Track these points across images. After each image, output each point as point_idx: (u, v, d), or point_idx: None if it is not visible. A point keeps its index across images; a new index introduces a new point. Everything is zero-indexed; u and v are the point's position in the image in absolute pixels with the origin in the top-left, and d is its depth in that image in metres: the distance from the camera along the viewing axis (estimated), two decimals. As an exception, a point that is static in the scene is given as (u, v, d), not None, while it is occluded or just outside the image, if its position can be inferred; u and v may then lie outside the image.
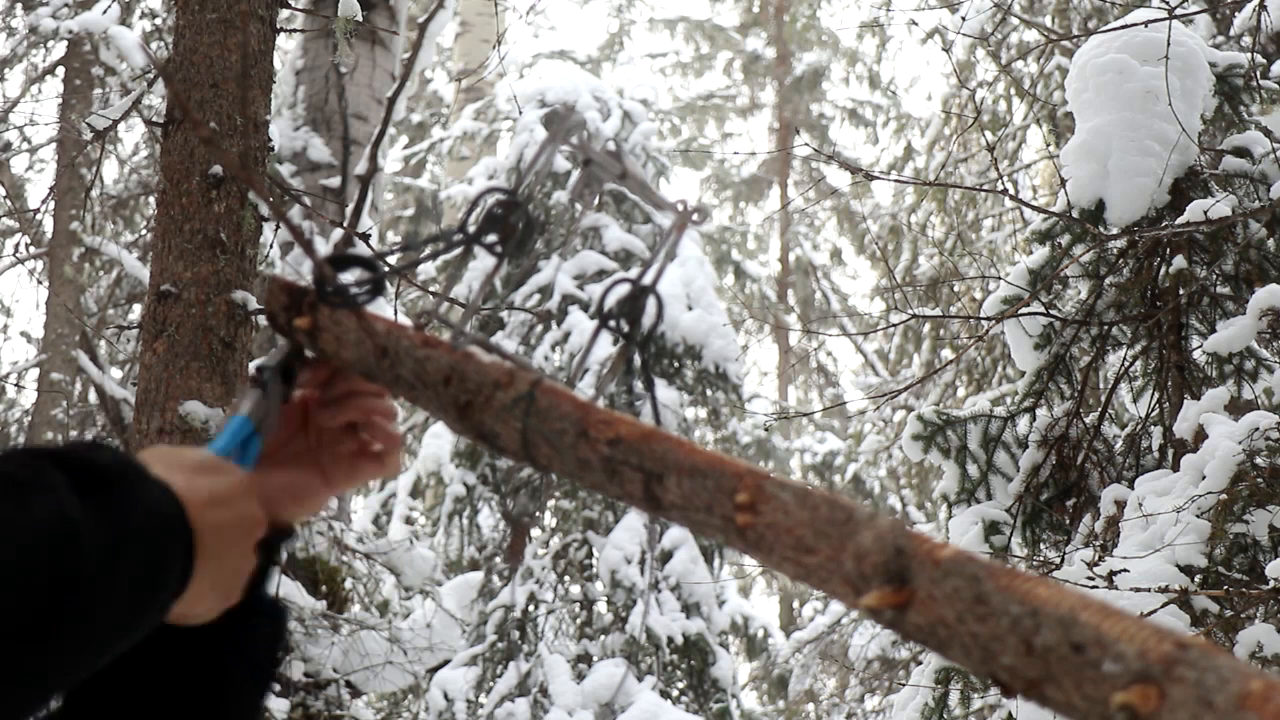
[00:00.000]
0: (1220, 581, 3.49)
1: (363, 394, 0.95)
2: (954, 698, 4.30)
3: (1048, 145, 9.25)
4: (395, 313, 3.79)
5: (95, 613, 0.68)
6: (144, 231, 10.16)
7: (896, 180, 11.95)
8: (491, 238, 0.93)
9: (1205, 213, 4.00)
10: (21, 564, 0.64)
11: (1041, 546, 4.42)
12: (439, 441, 9.73)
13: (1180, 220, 4.08)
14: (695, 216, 0.93)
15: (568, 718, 7.39)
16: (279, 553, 0.92)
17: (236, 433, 0.90)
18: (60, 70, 10.10)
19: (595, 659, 7.93)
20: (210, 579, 0.79)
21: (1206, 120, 4.53)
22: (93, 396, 9.43)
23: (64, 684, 0.69)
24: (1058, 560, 4.14)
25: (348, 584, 5.99)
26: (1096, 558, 3.72)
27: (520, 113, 9.21)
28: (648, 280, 0.91)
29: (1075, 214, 4.37)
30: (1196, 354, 4.39)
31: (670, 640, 7.90)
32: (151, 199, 8.39)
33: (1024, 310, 4.44)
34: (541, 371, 0.86)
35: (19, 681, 0.65)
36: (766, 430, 11.22)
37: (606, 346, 6.78)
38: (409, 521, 10.22)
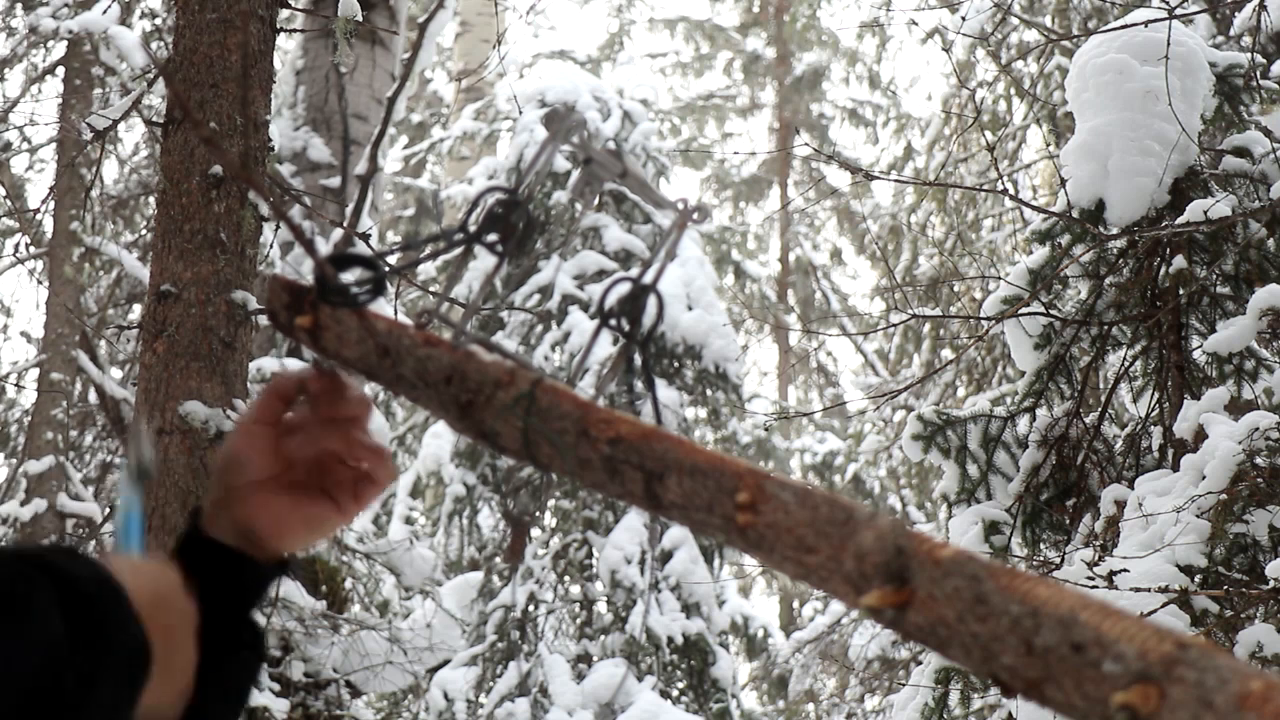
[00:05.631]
0: (1220, 581, 3.49)
1: (337, 420, 0.93)
2: (954, 698, 4.30)
3: (1048, 145, 9.25)
4: (396, 312, 3.79)
5: None
6: (144, 231, 10.16)
7: (896, 180, 11.95)
8: (492, 237, 0.93)
9: (1205, 213, 4.00)
10: (16, 689, 0.66)
11: (1041, 546, 4.42)
12: (439, 441, 9.73)
13: (1180, 220, 4.08)
14: (696, 216, 0.93)
15: (568, 718, 7.39)
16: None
17: (138, 525, 0.90)
18: (60, 70, 10.09)
19: (595, 659, 7.92)
20: (165, 676, 0.79)
21: (1206, 120, 4.53)
22: (93, 396, 9.43)
23: None
24: (1058, 560, 4.14)
25: (348, 584, 5.99)
26: (1096, 558, 3.71)
27: (520, 113, 9.21)
28: (648, 279, 0.91)
29: (1075, 214, 4.37)
30: (1196, 354, 4.38)
31: (670, 640, 7.90)
32: (151, 199, 8.39)
33: (1024, 310, 4.44)
34: (542, 371, 0.86)
35: None
36: (766, 430, 11.22)
37: (607, 346, 6.78)
38: (409, 521, 10.22)
